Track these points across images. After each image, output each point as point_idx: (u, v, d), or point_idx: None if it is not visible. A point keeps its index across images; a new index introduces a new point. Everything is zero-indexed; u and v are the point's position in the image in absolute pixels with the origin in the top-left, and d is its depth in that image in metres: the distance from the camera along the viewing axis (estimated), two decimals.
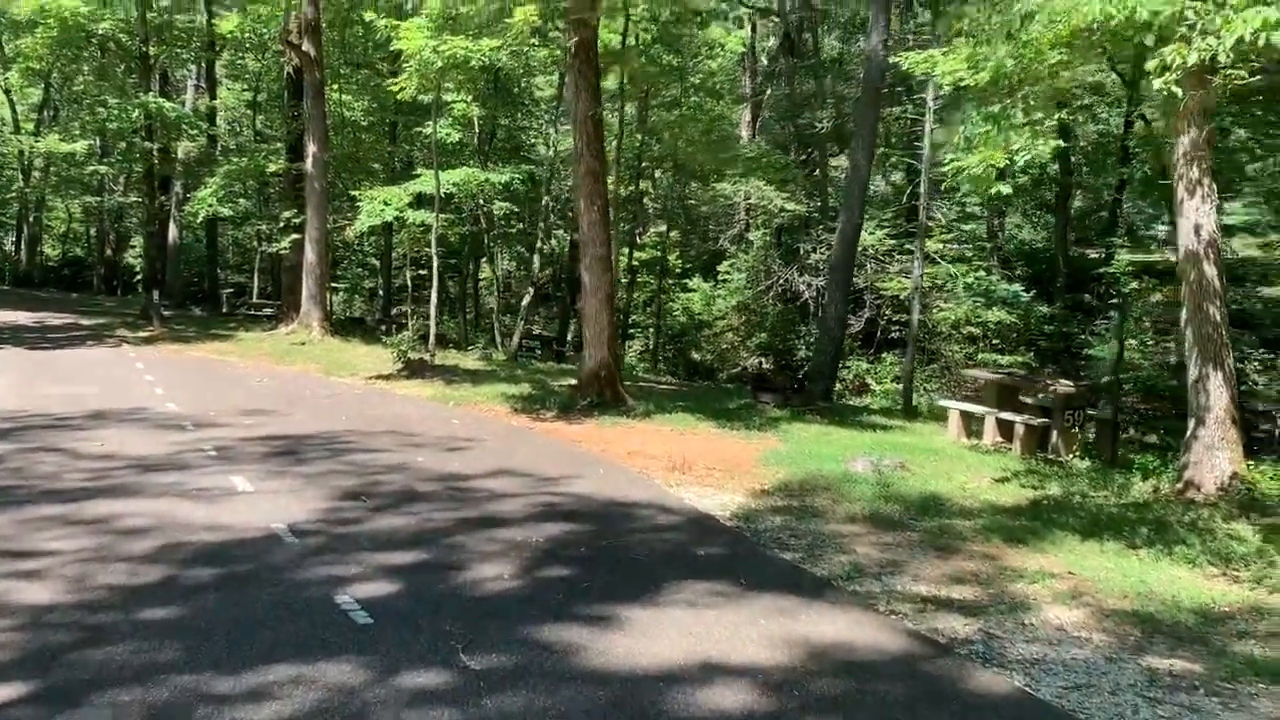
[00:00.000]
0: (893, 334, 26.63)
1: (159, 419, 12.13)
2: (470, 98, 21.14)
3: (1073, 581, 6.83)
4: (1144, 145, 27.79)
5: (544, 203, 24.83)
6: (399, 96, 14.01)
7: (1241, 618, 6.23)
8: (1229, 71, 8.12)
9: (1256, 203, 24.95)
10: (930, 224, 28.00)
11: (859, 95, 26.86)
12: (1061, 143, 8.23)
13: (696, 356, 31.40)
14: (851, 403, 20.72)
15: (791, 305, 29.61)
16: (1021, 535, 8.03)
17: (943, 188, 24.97)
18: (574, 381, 18.23)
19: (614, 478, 9.54)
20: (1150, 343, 24.71)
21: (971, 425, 13.48)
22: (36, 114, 45.35)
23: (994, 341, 25.92)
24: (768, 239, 30.66)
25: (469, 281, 32.48)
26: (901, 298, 25.53)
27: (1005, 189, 9.25)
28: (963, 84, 9.91)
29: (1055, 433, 12.31)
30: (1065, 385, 12.41)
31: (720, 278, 31.01)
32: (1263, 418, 18.55)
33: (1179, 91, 7.84)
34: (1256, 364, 20.34)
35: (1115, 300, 28.33)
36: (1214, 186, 10.06)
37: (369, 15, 20.26)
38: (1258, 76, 8.98)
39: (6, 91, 45.40)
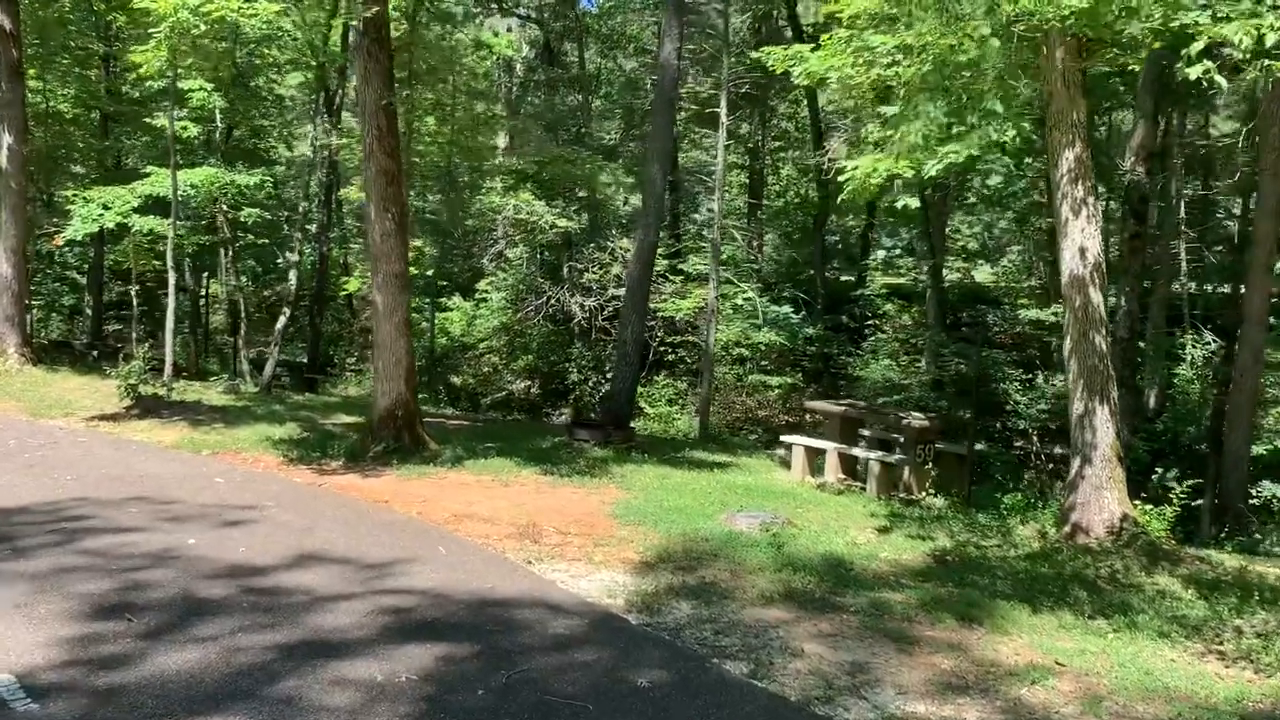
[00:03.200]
0: (667, 356, 25.76)
1: None
2: (211, 86, 18.09)
3: (1075, 679, 5.64)
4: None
5: (301, 209, 21.93)
6: (142, 74, 11.26)
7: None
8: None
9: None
10: (690, 244, 27.56)
11: (646, 107, 26.01)
12: (973, 152, 7.14)
13: (457, 381, 29.24)
14: (651, 432, 19.44)
15: (561, 326, 28.22)
16: (963, 610, 6.83)
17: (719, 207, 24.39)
18: (347, 418, 15.81)
19: (460, 559, 7.54)
20: (905, 362, 25.26)
21: (816, 462, 12.42)
22: None
23: (762, 363, 25.68)
24: (530, 256, 29.13)
25: (201, 299, 28.66)
26: (677, 319, 24.72)
27: (912, 201, 8.09)
28: (848, 82, 8.73)
29: (908, 469, 11.43)
30: (918, 418, 11.58)
31: (479, 297, 29.15)
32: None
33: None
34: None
35: (872, 321, 28.95)
36: (1099, 206, 9.46)
37: None
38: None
39: None
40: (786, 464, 13.30)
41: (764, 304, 25.17)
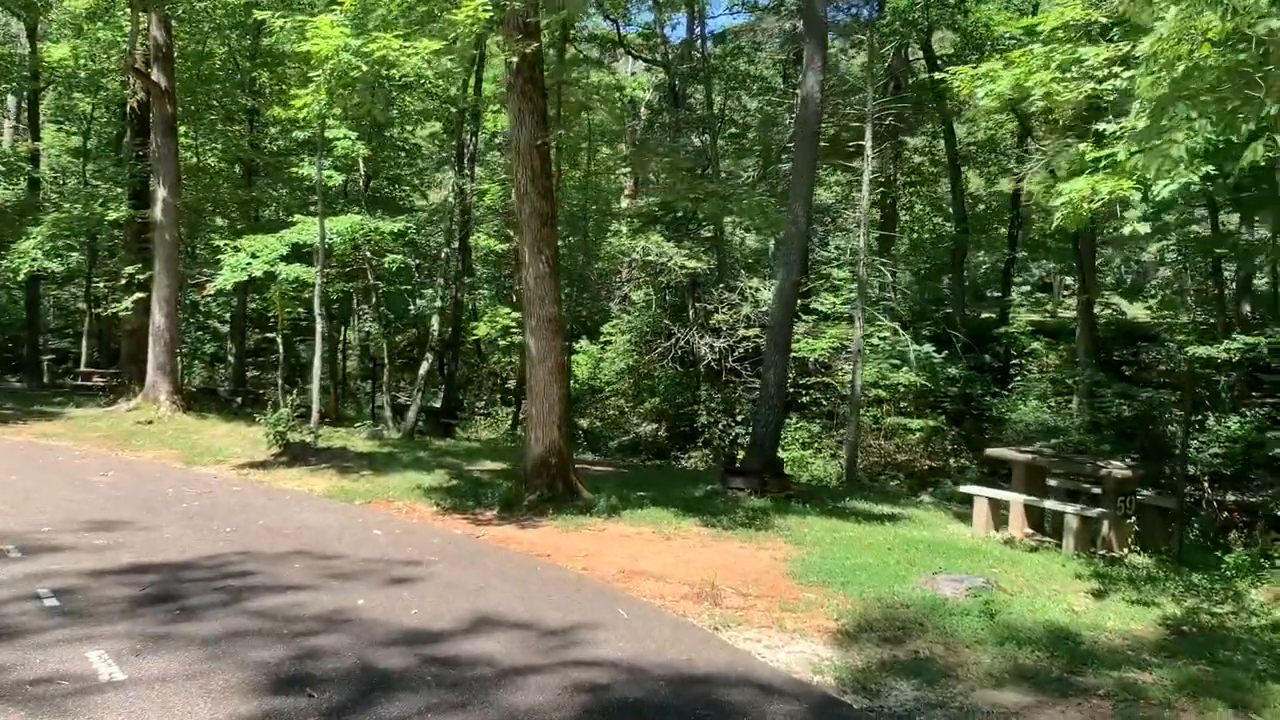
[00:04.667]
0: (801, 398, 24.91)
1: None
2: (355, 135, 18.27)
3: None
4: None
5: (443, 254, 22.01)
6: (300, 115, 11.24)
7: None
8: None
9: None
10: (820, 283, 26.66)
11: (787, 142, 25.41)
12: (1194, 178, 6.31)
13: (584, 423, 28.91)
14: (797, 478, 18.60)
15: (689, 368, 27.68)
16: (1232, 695, 5.90)
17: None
18: (491, 464, 15.52)
19: (642, 624, 6.95)
20: (1056, 404, 23.82)
21: (1000, 514, 11.45)
22: None
23: (901, 405, 24.60)
24: (656, 298, 28.74)
25: (339, 346, 29.11)
26: (810, 360, 23.90)
27: (1142, 227, 7.27)
28: (1049, 98, 7.94)
29: (1107, 524, 10.40)
30: (1119, 468, 10.55)
31: (604, 339, 28.87)
32: None
33: None
34: None
35: (1017, 360, 27.52)
36: None
37: (264, 15, 16.87)
38: None
39: None
40: (961, 516, 12.37)
41: (905, 342, 24.12)
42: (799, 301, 23.14)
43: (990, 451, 12.58)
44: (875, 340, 23.43)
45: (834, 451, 23.24)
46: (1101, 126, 7.15)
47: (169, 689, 5.28)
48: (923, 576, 8.34)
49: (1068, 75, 7.57)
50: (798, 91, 20.41)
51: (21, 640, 6.03)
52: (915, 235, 33.18)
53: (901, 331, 22.77)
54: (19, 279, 26.49)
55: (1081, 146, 7.65)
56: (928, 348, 24.86)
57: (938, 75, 12.02)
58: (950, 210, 29.91)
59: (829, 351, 22.81)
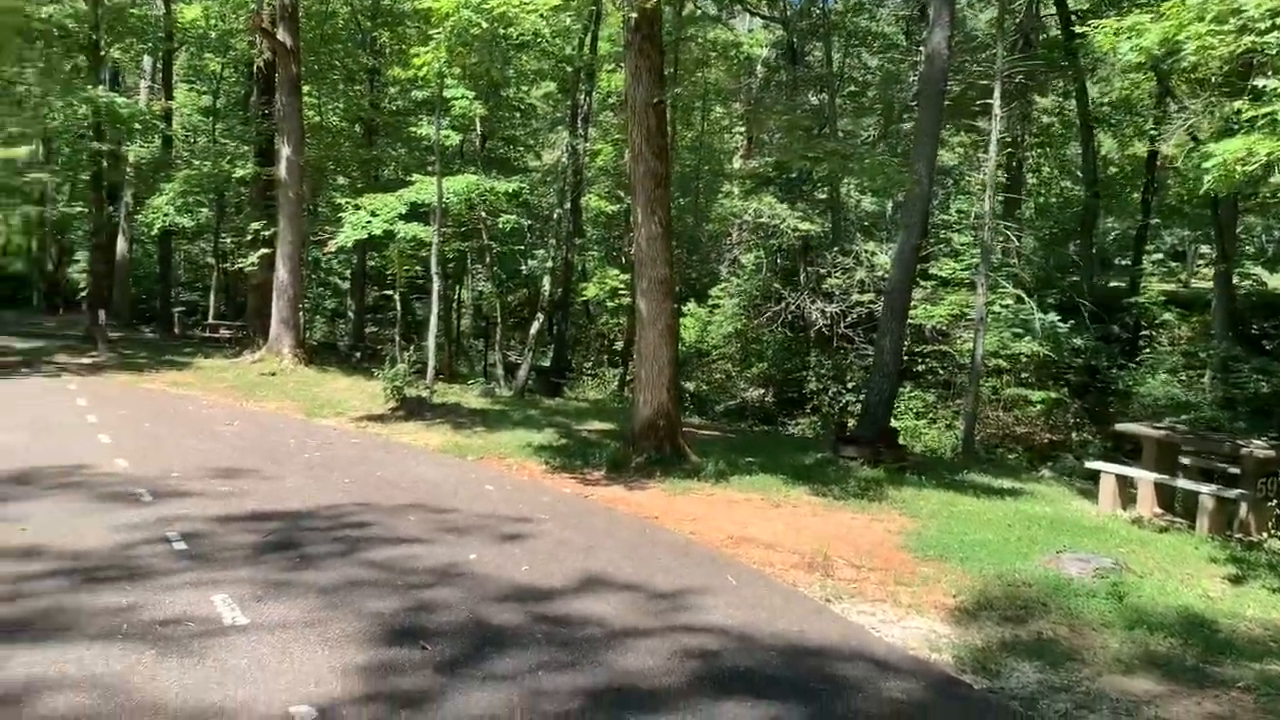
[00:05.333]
0: (916, 366, 24.27)
1: (105, 484, 9.24)
2: (472, 95, 18.38)
3: None
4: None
5: (555, 215, 22.11)
6: (420, 73, 11.33)
7: None
8: None
9: None
10: (940, 247, 25.77)
11: (910, 100, 24.64)
12: None
13: (690, 387, 28.79)
14: (911, 448, 18.16)
15: (799, 333, 27.25)
16: None
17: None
18: (599, 424, 15.57)
19: (752, 592, 6.84)
20: (1187, 378, 22.65)
21: (1127, 492, 10.94)
22: None
23: (1022, 375, 23.71)
24: (766, 261, 28.27)
25: (453, 304, 29.58)
26: (926, 327, 23.23)
27: None
28: (1201, 53, 7.40)
29: (1245, 506, 9.83)
30: (1262, 447, 9.94)
31: (711, 303, 28.58)
32: None
33: None
34: None
35: (1147, 331, 26.24)
36: None
37: None
38: None
39: None
40: (1085, 493, 11.88)
41: (1028, 310, 23.20)
42: (918, 266, 22.48)
43: (1120, 427, 12.00)
44: (997, 308, 22.60)
45: (949, 422, 22.65)
46: (1261, 83, 6.62)
47: (288, 635, 5.40)
48: (1046, 555, 8.01)
49: (1224, 28, 7.03)
50: (922, 49, 19.71)
51: (152, 581, 6.26)
52: (1042, 199, 31.86)
53: (1025, 299, 21.91)
54: (153, 233, 27.68)
55: (1237, 104, 7.12)
56: (1052, 316, 23.87)
57: (1075, 30, 11.37)
58: (1080, 174, 28.57)
59: (947, 319, 22.15)
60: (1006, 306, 22.94)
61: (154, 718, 4.32)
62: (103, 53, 24.61)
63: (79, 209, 33.92)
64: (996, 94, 18.44)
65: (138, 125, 25.37)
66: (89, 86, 23.42)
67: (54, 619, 5.47)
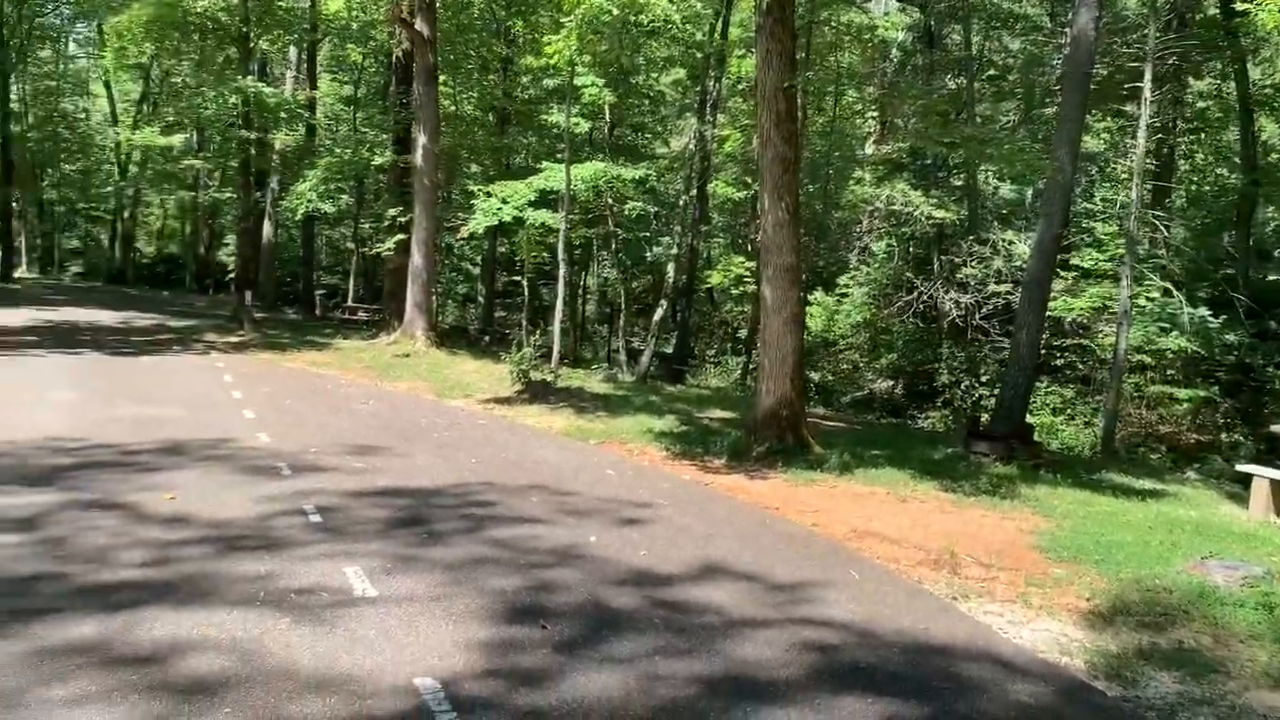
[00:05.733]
0: (1054, 361, 23.37)
1: (247, 457, 9.68)
2: (602, 82, 18.51)
3: None
4: None
5: (681, 202, 22.11)
6: (551, 61, 11.49)
7: None
8: None
9: None
10: (1082, 237, 24.61)
11: (1053, 84, 23.70)
12: None
13: (815, 377, 28.40)
14: (1046, 445, 17.52)
15: (931, 324, 26.55)
16: None
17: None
18: (721, 413, 15.51)
19: (875, 587, 6.70)
20: None
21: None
22: (135, 109, 44.43)
23: (1168, 372, 22.53)
24: (898, 250, 27.59)
25: (578, 290, 29.92)
26: (1066, 320, 22.31)
27: None
28: None
29: None
30: None
31: (839, 291, 28.05)
32: None
33: None
34: None
35: None
36: None
37: None
38: None
39: (107, 84, 44.62)
40: (1234, 497, 11.24)
41: (1176, 304, 22.05)
42: (1058, 256, 21.63)
43: (1276, 428, 11.31)
44: (1143, 301, 21.56)
45: (1088, 419, 21.77)
46: None
47: (415, 609, 5.55)
48: (1189, 560, 7.60)
49: None
50: (1067, 30, 18.91)
51: (289, 552, 6.53)
52: (1195, 187, 30.22)
53: (1174, 292, 20.82)
54: (296, 218, 28.85)
55: None
56: (1203, 311, 22.63)
57: (1235, 8, 10.71)
58: (1237, 160, 26.94)
59: (1088, 311, 21.25)
60: (1153, 300, 21.86)
61: (287, 682, 4.50)
62: (252, 44, 25.74)
63: (228, 194, 35.63)
64: (1147, 76, 17.57)
65: (283, 114, 26.46)
66: (239, 77, 24.52)
67: (197, 584, 5.76)
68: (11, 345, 18.20)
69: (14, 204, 40.26)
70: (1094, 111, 27.53)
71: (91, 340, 20.10)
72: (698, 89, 24.84)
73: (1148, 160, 28.85)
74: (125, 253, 46.36)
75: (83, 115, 47.32)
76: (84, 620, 5.08)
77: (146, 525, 6.94)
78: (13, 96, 38.65)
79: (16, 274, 40.25)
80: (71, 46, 48.89)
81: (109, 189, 45.06)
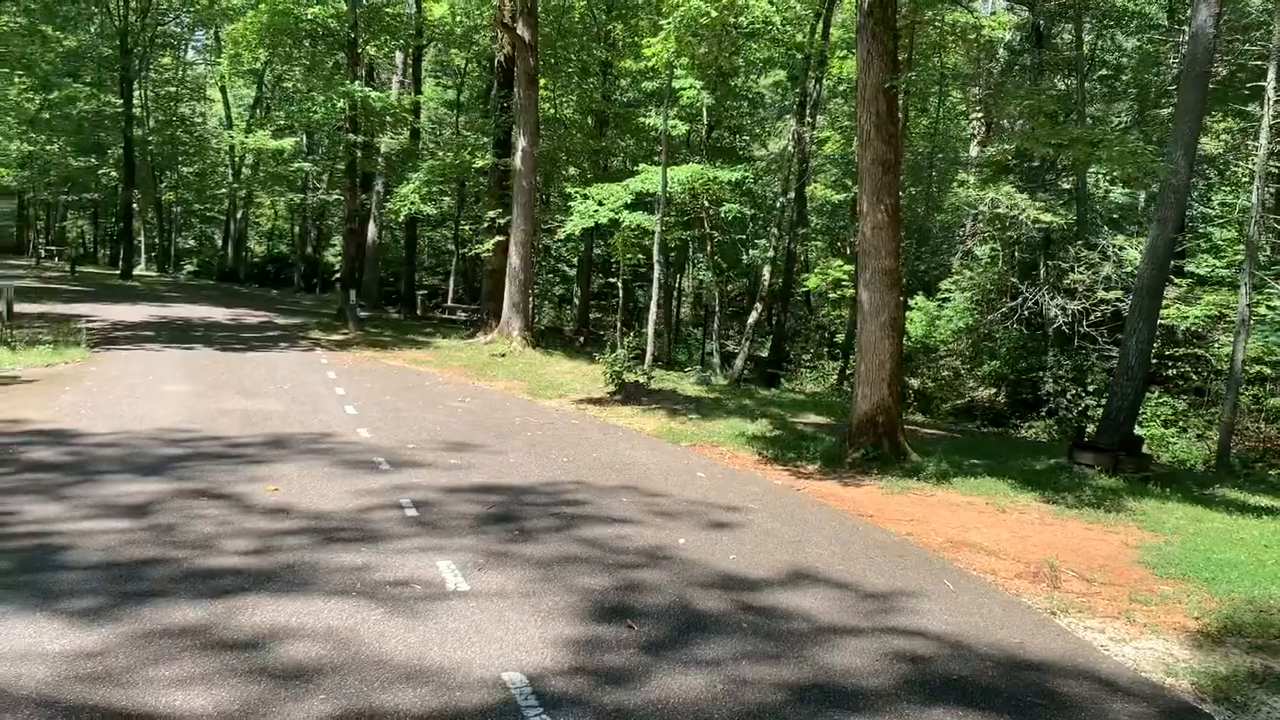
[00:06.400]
0: (1165, 371, 22.51)
1: (348, 451, 9.94)
2: (700, 84, 18.49)
3: None
4: None
5: (779, 204, 21.96)
6: (650, 63, 11.53)
7: None
8: None
9: None
10: (1200, 242, 23.57)
11: (1169, 84, 22.87)
12: None
13: (915, 384, 27.87)
14: (1156, 458, 16.88)
15: (1036, 331, 25.81)
16: None
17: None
18: (816, 418, 15.34)
19: (970, 598, 6.54)
20: None
21: None
22: (249, 113, 46.07)
23: None
24: (1002, 254, 26.87)
25: (673, 292, 29.95)
26: (1179, 329, 21.43)
27: None
28: None
29: None
30: None
31: (941, 296, 27.45)
32: None
33: None
34: None
35: None
36: None
37: None
38: None
39: (223, 89, 46.39)
40: None
41: None
42: (1172, 263, 20.80)
43: None
44: (1263, 310, 20.62)
45: (1201, 432, 20.91)
46: None
47: (505, 604, 5.62)
48: None
49: None
50: (1185, 28, 18.19)
51: (384, 544, 6.67)
52: None
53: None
54: (400, 220, 29.49)
55: None
56: None
57: None
58: None
59: (1204, 320, 20.40)
60: (1274, 309, 20.89)
61: (379, 671, 4.60)
62: (360, 50, 26.43)
63: (336, 196, 36.67)
64: (1271, 75, 16.80)
65: (389, 118, 27.12)
66: (347, 82, 25.22)
67: (296, 573, 5.93)
68: (130, 340, 19.05)
69: (134, 205, 42.12)
70: (1213, 112, 26.45)
71: (203, 336, 20.91)
72: (797, 90, 24.64)
73: (1270, 163, 27.57)
74: (237, 252, 48.12)
75: (200, 120, 49.29)
76: (190, 605, 5.27)
77: (250, 515, 7.18)
78: (135, 102, 40.42)
79: (136, 271, 42.13)
80: (190, 53, 51.01)
81: (223, 190, 46.84)
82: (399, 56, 32.43)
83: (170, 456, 9.05)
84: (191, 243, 56.30)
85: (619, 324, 21.77)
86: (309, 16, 24.12)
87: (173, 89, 46.36)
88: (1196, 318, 20.66)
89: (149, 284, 38.04)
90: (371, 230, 33.65)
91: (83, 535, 6.40)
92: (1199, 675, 5.49)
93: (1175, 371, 22.32)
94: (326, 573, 5.97)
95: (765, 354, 28.62)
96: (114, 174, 42.67)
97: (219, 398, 12.86)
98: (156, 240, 50.86)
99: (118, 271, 40.33)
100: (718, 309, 26.07)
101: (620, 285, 22.07)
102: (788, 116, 26.74)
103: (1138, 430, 19.88)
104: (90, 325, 19.95)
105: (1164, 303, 21.00)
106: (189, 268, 51.48)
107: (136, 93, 41.35)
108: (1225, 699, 5.19)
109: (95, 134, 41.87)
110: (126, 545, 6.26)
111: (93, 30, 41.09)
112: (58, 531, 6.46)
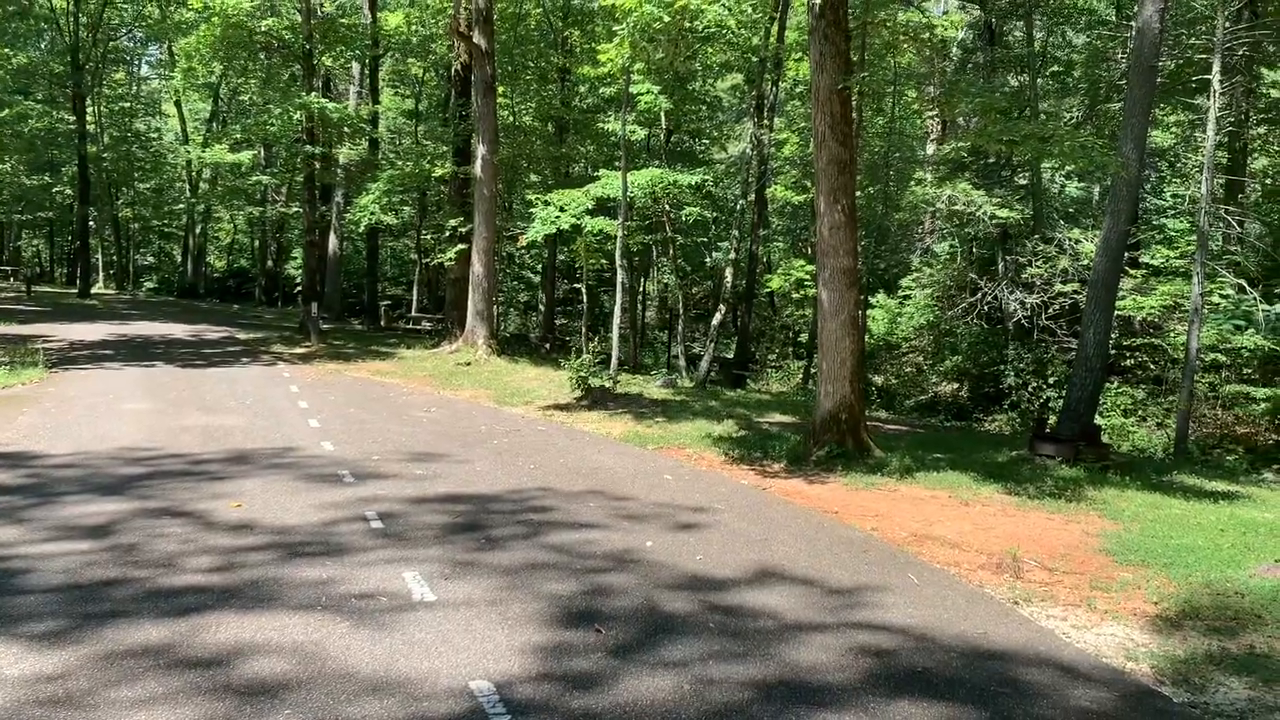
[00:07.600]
0: (1123, 361, 22.84)
1: (311, 465, 9.88)
2: (658, 89, 18.56)
3: None
4: None
5: (739, 206, 22.08)
6: (606, 70, 11.56)
7: None
8: None
9: None
10: (1150, 234, 23.96)
11: (1118, 79, 23.21)
12: None
13: (878, 380, 28.08)
14: (1116, 447, 17.14)
15: (996, 325, 26.10)
16: None
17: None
18: (781, 417, 15.43)
19: (934, 591, 6.62)
20: None
21: None
22: (205, 127, 45.63)
23: (1245, 371, 21.88)
24: (961, 251, 27.19)
25: (637, 297, 30.00)
26: (1135, 319, 21.79)
27: None
28: None
29: None
30: None
31: (902, 294, 27.70)
32: None
33: None
34: None
35: None
36: None
37: None
38: None
39: (178, 104, 45.90)
40: None
41: (1251, 301, 21.40)
42: (1127, 254, 21.13)
43: None
44: (1216, 298, 21.01)
45: (1160, 420, 21.25)
46: None
47: (472, 613, 5.62)
48: (1263, 564, 7.38)
49: None
50: (1132, 23, 18.48)
51: (350, 557, 6.64)
52: (1269, 181, 29.35)
53: (1248, 289, 20.25)
54: (360, 231, 29.32)
55: None
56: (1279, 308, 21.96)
57: None
58: None
59: (1159, 310, 20.75)
60: (1226, 297, 21.29)
61: (346, 684, 4.58)
62: (315, 61, 26.25)
63: (295, 209, 36.39)
64: (1216, 68, 17.12)
65: (347, 129, 26.96)
66: (303, 93, 25.04)
67: (261, 589, 5.89)
68: (89, 359, 18.80)
69: (91, 222, 41.55)
70: (1162, 106, 26.92)
71: (163, 353, 20.68)
72: (754, 94, 24.78)
73: (1219, 154, 28.07)
74: (196, 267, 47.60)
75: (155, 135, 48.73)
76: (153, 624, 5.23)
77: (214, 532, 7.12)
78: (89, 118, 39.90)
79: (94, 290, 41.55)
80: (144, 68, 50.43)
81: (180, 206, 46.34)
82: (356, 67, 32.27)
83: (131, 476, 8.95)
84: (150, 259, 55.62)
85: (584, 329, 21.79)
86: (262, 29, 23.94)
87: (127, 104, 45.80)
88: (1152, 308, 21.01)
89: (107, 302, 37.54)
90: (332, 242, 33.42)
91: (42, 558, 6.32)
92: (1158, 659, 5.59)
93: (1133, 361, 22.66)
94: (291, 588, 5.93)
95: (731, 355, 28.73)
96: (69, 191, 42.10)
97: (180, 415, 12.73)
98: (114, 258, 50.21)
99: (75, 290, 39.74)
100: (682, 312, 26.14)
101: (585, 291, 22.07)
102: (746, 120, 26.88)
103: (1098, 420, 20.15)
104: (48, 345, 19.67)
105: (1120, 294, 21.33)
106: (148, 285, 50.87)
107: (90, 109, 40.83)
108: (1184, 681, 5.29)
109: (49, 151, 41.29)
110: (87, 566, 6.19)
111: (43, 46, 40.54)
112: (16, 555, 6.38)
